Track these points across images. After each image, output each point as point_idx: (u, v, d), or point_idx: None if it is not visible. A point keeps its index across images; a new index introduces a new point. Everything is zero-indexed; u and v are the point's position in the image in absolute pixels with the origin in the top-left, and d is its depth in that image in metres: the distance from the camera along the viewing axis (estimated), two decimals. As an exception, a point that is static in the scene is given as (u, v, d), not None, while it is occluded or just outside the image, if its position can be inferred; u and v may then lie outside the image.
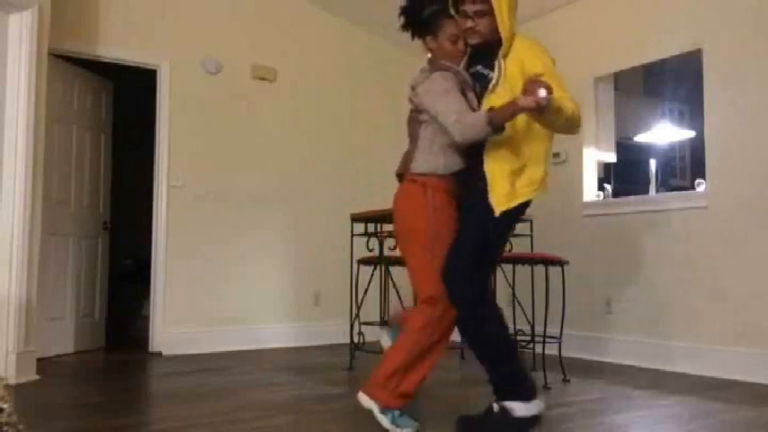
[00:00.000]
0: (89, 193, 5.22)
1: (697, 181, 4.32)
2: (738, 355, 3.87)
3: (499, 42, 2.59)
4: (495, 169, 2.55)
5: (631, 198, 4.76)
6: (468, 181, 2.63)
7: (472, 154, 2.60)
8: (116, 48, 4.95)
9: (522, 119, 2.52)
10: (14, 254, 3.76)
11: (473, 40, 2.66)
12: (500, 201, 2.53)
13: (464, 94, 2.62)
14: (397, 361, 2.56)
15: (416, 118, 2.70)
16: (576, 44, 4.88)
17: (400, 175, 2.77)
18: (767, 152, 3.86)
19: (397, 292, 4.45)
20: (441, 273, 2.54)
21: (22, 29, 3.84)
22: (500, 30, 2.56)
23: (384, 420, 2.54)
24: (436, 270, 2.55)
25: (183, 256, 5.08)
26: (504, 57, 2.58)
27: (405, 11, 2.73)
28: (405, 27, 2.74)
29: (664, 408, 3.15)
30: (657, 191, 4.87)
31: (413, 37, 2.76)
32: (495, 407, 2.56)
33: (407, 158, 2.72)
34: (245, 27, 5.50)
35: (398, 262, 4.31)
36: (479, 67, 2.70)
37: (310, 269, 5.60)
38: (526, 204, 2.63)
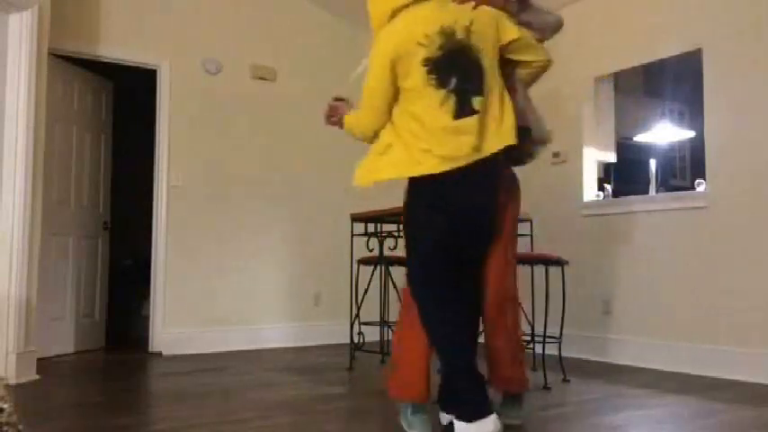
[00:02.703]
0: (89, 193, 5.22)
1: (697, 181, 4.32)
2: (738, 355, 3.87)
3: None
4: None
5: (631, 198, 4.75)
6: None
7: None
8: (116, 48, 4.95)
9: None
10: (14, 254, 3.76)
11: None
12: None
13: None
14: None
15: None
16: (576, 44, 4.87)
17: None
18: (767, 152, 3.86)
19: (397, 292, 4.44)
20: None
21: (22, 29, 3.84)
22: None
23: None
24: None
25: (182, 256, 5.08)
26: None
27: None
28: None
29: (664, 408, 3.15)
30: (657, 191, 4.87)
31: None
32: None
33: None
34: (245, 27, 5.50)
35: (398, 262, 4.32)
36: None
37: (310, 269, 5.60)
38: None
